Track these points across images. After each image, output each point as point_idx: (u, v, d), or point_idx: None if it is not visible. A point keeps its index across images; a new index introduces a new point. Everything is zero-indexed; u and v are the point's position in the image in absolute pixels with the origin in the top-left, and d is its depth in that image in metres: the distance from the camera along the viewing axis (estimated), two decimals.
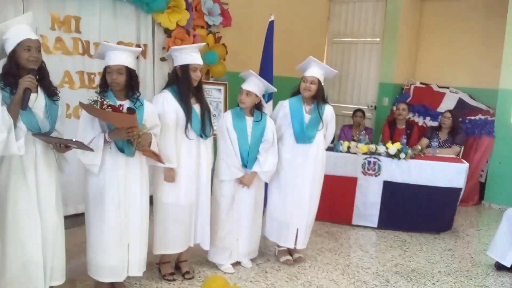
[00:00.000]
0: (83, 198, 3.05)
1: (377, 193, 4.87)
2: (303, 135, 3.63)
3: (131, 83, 2.95)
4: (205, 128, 3.29)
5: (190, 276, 3.45)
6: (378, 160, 4.84)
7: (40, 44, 2.63)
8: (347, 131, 6.16)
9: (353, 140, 5.12)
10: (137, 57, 4.54)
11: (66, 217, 3.31)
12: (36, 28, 2.69)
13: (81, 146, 2.67)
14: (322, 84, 3.62)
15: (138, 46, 4.64)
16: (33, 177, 2.62)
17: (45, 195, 2.68)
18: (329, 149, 4.84)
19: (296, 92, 3.69)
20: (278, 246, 3.90)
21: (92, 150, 2.74)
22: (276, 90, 3.67)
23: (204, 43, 4.13)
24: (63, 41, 4.05)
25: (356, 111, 6.25)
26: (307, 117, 3.64)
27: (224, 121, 3.48)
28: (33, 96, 2.58)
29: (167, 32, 4.89)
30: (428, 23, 7.25)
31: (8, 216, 2.59)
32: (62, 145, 2.64)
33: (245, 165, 3.52)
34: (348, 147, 4.96)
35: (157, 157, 3.03)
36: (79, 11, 4.16)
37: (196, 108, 3.28)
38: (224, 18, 5.41)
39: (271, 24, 4.83)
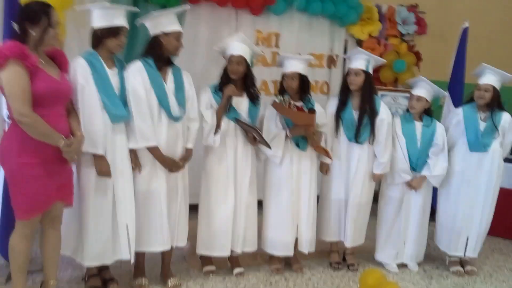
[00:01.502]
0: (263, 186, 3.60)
1: None
2: (478, 143, 3.55)
3: (303, 87, 3.41)
4: (359, 134, 3.49)
5: (354, 268, 3.71)
6: None
7: (244, 59, 3.23)
8: None
9: None
10: (329, 67, 5.10)
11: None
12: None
13: (262, 139, 3.23)
14: (498, 90, 3.50)
15: (330, 57, 5.11)
16: (232, 162, 3.31)
17: (242, 178, 3.34)
18: None
19: (471, 100, 3.62)
20: (450, 256, 3.84)
21: (269, 147, 3.28)
22: (446, 94, 3.65)
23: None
24: (264, 55, 4.67)
25: None
26: (482, 125, 3.55)
27: (393, 127, 3.63)
28: (239, 99, 3.27)
29: (359, 43, 5.20)
30: None
31: (209, 191, 3.33)
32: (251, 135, 3.24)
33: (414, 169, 3.61)
34: None
35: (326, 153, 3.44)
36: (280, 28, 4.81)
37: (355, 114, 3.51)
38: (419, 26, 5.44)
39: (465, 31, 4.70)
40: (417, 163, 3.59)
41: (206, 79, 4.39)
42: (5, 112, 2.88)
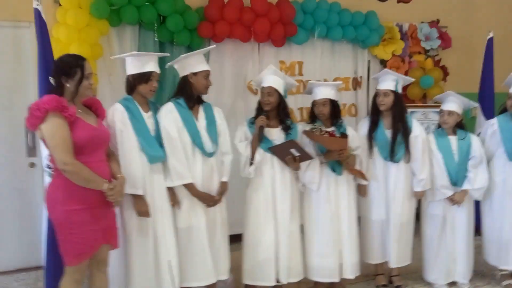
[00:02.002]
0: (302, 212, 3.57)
1: None
2: None
3: (334, 112, 3.43)
4: (394, 153, 3.47)
5: None
6: None
7: (274, 90, 3.27)
8: None
9: None
10: (355, 89, 5.11)
11: None
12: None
13: (302, 150, 3.21)
14: None
15: (354, 79, 5.13)
16: (270, 191, 3.31)
17: (281, 206, 3.32)
18: None
19: (504, 109, 3.57)
20: (500, 270, 3.71)
21: (311, 157, 3.28)
22: (477, 105, 3.61)
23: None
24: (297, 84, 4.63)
25: None
26: None
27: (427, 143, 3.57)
28: (273, 130, 3.31)
29: (383, 62, 5.21)
30: None
31: (250, 221, 3.34)
32: (291, 159, 3.21)
33: (454, 184, 3.54)
34: None
35: (362, 175, 3.42)
36: (302, 56, 4.87)
37: (388, 133, 3.50)
38: (443, 40, 5.41)
39: (490, 41, 4.68)
40: (457, 177, 3.52)
41: (233, 113, 4.51)
42: (45, 162, 3.00)
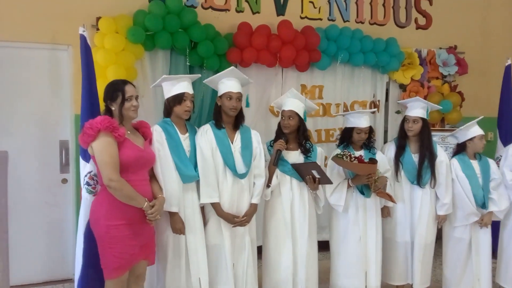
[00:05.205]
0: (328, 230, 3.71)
1: None
2: None
3: (369, 137, 3.58)
4: (421, 177, 3.58)
5: None
6: None
7: (295, 113, 3.37)
8: None
9: None
10: (373, 113, 5.23)
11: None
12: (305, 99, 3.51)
13: (323, 173, 3.29)
14: None
15: (372, 103, 5.25)
16: (289, 212, 3.38)
17: (299, 228, 3.39)
18: None
19: None
20: None
21: (331, 182, 3.37)
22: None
23: None
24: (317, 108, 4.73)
25: None
26: None
27: (452, 169, 3.70)
28: (292, 152, 3.41)
29: (402, 87, 5.35)
30: None
31: (270, 242, 3.42)
32: (310, 178, 3.29)
33: (482, 206, 3.64)
34: None
35: (389, 197, 3.51)
36: (323, 80, 5.02)
37: (415, 157, 3.62)
38: (460, 66, 5.53)
39: (508, 68, 4.81)
40: (484, 199, 3.63)
41: None
42: (85, 180, 3.15)
